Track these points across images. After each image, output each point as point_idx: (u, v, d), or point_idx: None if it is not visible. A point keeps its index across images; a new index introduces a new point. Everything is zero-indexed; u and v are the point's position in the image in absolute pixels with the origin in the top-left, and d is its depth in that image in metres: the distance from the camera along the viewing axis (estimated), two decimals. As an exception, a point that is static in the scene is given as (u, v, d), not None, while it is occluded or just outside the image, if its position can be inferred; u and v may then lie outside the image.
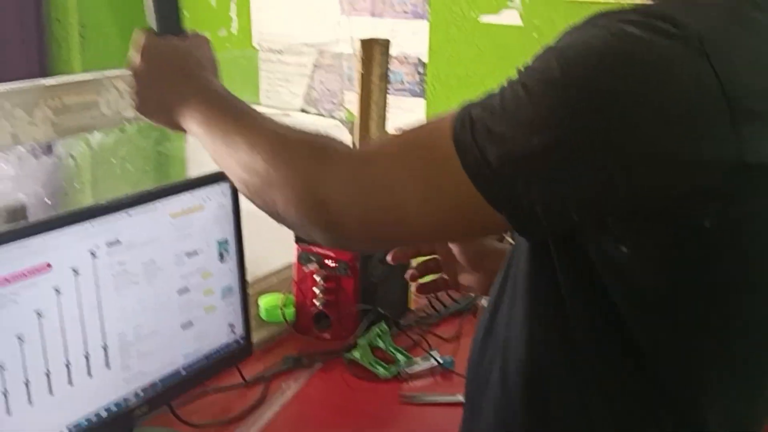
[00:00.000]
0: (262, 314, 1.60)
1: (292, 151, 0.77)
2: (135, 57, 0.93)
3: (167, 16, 0.96)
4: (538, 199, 0.66)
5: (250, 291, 1.38)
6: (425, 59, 2.75)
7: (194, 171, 3.02)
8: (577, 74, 0.65)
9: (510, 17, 2.55)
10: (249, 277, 1.32)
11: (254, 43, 3.08)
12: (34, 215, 1.07)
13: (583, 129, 0.64)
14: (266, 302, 1.61)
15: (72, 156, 1.32)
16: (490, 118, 0.68)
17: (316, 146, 0.77)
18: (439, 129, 0.70)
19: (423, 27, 2.72)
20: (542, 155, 0.65)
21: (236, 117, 0.85)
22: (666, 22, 0.65)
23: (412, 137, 0.74)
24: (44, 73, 2.99)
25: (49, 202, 1.23)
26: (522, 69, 0.70)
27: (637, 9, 0.67)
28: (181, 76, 0.91)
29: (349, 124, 2.86)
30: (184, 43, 0.95)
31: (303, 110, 2.98)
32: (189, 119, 0.89)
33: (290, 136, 0.80)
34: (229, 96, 0.89)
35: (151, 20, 0.96)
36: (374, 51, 1.82)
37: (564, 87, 0.65)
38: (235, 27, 3.10)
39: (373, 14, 2.77)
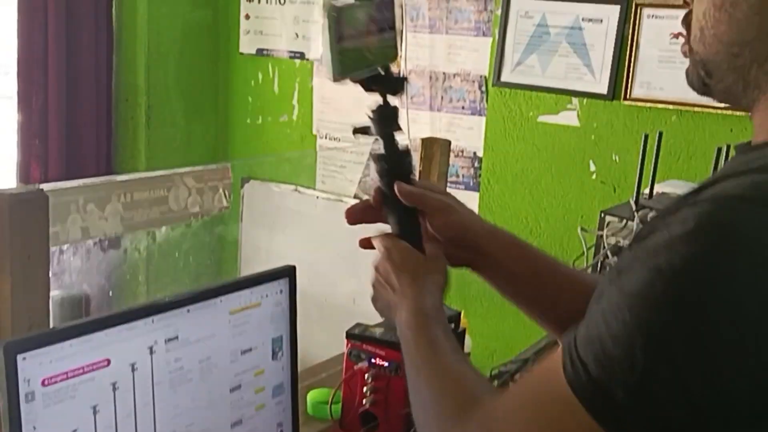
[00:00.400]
0: (309, 409, 1.59)
1: (440, 412, 0.83)
2: (380, 255, 1.01)
3: (413, 233, 1.03)
4: (674, 416, 0.65)
5: (299, 385, 1.38)
6: (481, 154, 2.78)
7: (247, 252, 3.06)
8: (675, 279, 0.65)
9: (568, 118, 2.57)
10: (299, 368, 1.31)
11: (314, 130, 3.14)
12: (97, 307, 1.09)
13: (695, 333, 0.64)
14: (313, 397, 1.60)
15: (137, 249, 1.36)
16: (601, 352, 0.67)
17: (459, 413, 0.81)
18: (553, 379, 0.70)
19: (480, 123, 2.76)
20: (666, 373, 0.64)
21: (420, 347, 0.92)
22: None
23: (530, 395, 0.75)
24: (110, 149, 3.09)
25: (112, 294, 1.26)
26: (613, 278, 0.70)
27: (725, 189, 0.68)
28: (408, 284, 0.98)
29: (401, 213, 2.87)
30: (425, 257, 1.02)
31: (356, 197, 3.02)
32: (399, 325, 0.97)
33: (446, 389, 0.85)
34: (432, 323, 0.94)
35: (395, 230, 1.04)
36: (434, 150, 1.85)
37: (666, 301, 0.65)
38: (296, 113, 3.18)
39: (431, 108, 2.82)
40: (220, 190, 1.28)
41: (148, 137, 3.13)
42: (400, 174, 1.02)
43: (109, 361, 0.99)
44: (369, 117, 1.01)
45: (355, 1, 0.97)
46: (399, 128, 1.02)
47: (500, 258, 1.07)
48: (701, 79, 0.85)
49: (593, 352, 0.67)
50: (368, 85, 1.00)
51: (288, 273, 1.26)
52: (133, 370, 1.02)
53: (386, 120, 1.01)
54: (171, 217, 1.19)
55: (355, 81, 0.99)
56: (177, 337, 1.08)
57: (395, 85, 1.01)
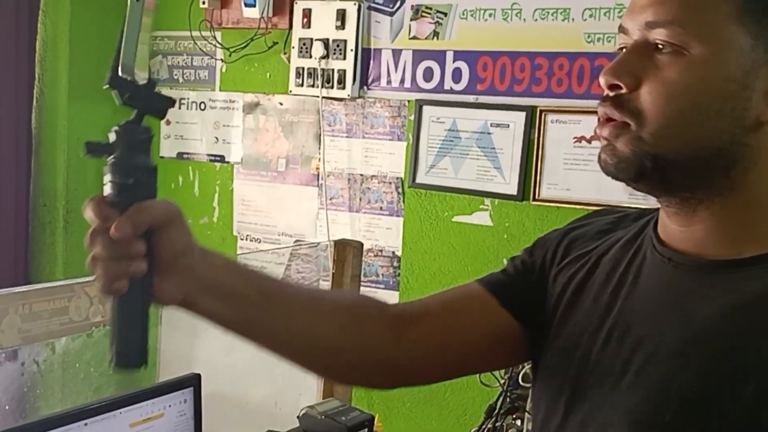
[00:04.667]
0: None
1: None
2: None
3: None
4: None
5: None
6: (399, 253, 2.83)
7: (166, 356, 3.00)
8: None
9: (481, 218, 2.65)
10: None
11: (234, 231, 3.16)
12: (-9, 423, 1.06)
13: None
14: (224, 508, 1.56)
15: (36, 362, 1.34)
16: None
17: None
18: None
19: (398, 223, 2.82)
20: None
21: None
22: None
23: None
24: (27, 254, 3.04)
25: (8, 408, 1.23)
26: None
27: None
28: None
29: (323, 313, 2.89)
30: None
31: (279, 297, 3.02)
32: None
33: None
34: None
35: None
36: (347, 253, 1.89)
37: None
38: (216, 215, 3.19)
39: (350, 209, 2.88)
40: (124, 300, 1.28)
41: (66, 241, 3.09)
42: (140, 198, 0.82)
43: (-2, 481, 0.97)
44: (114, 134, 0.81)
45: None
46: (147, 160, 0.83)
47: (220, 279, 0.90)
48: (641, 171, 0.76)
49: None
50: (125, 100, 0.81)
51: (192, 382, 1.25)
52: (24, 488, 1.00)
53: (134, 145, 0.81)
54: (71, 328, 1.18)
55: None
56: (73, 453, 1.06)
57: (158, 103, 0.83)
